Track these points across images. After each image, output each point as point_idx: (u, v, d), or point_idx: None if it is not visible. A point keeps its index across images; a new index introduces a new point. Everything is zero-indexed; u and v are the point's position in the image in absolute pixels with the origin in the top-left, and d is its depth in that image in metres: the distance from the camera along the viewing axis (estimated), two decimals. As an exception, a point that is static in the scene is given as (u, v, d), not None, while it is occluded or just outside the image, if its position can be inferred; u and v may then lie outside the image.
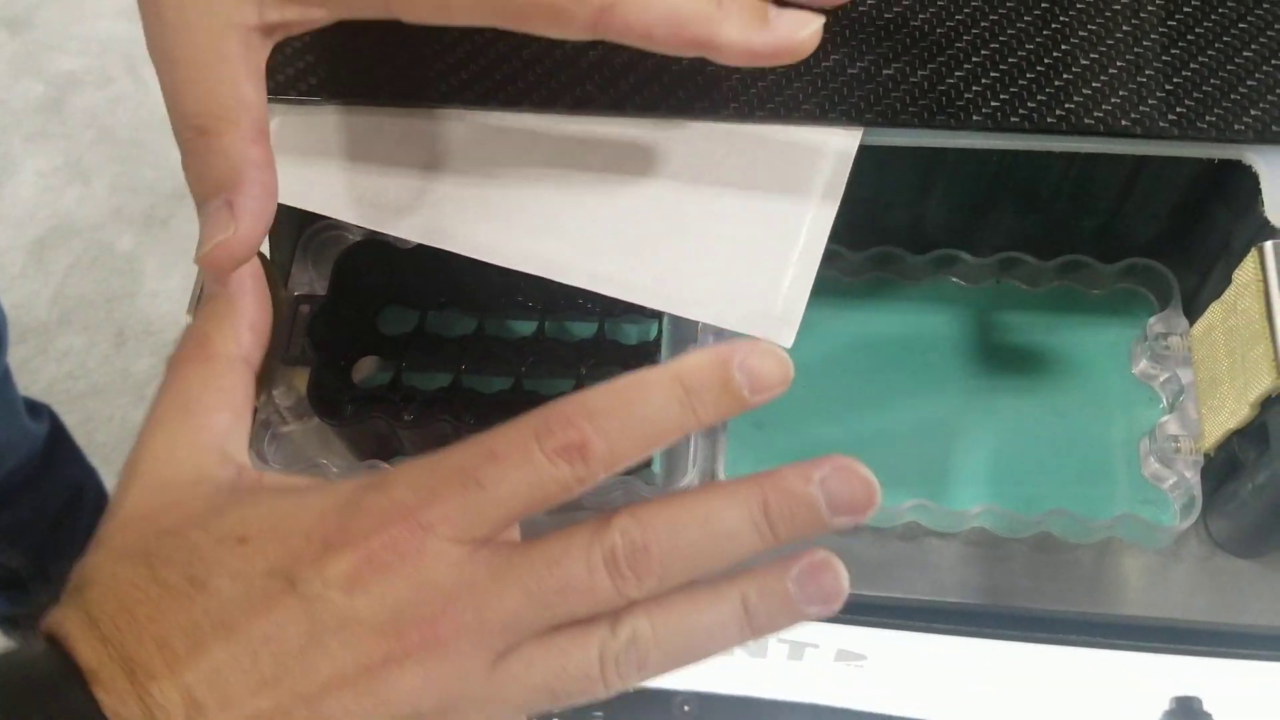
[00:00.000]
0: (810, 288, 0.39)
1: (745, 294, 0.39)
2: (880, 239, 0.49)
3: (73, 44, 1.68)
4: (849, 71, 0.42)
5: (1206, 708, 0.57)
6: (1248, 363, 0.40)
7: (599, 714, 0.70)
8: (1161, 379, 0.46)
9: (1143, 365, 0.46)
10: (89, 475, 1.12)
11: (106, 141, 1.61)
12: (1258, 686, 0.52)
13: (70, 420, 1.23)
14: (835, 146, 0.41)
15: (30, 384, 1.31)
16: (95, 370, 1.49)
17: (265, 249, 0.47)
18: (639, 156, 0.41)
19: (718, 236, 0.40)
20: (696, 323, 0.47)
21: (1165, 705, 0.57)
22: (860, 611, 0.44)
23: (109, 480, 1.17)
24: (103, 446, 1.38)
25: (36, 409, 1.03)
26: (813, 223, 0.40)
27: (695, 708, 0.68)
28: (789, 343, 0.39)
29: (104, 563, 0.30)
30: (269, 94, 0.42)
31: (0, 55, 1.68)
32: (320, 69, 0.43)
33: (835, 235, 0.47)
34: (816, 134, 0.41)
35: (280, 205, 0.43)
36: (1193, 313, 0.45)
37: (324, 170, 0.41)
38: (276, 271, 0.46)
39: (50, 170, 1.60)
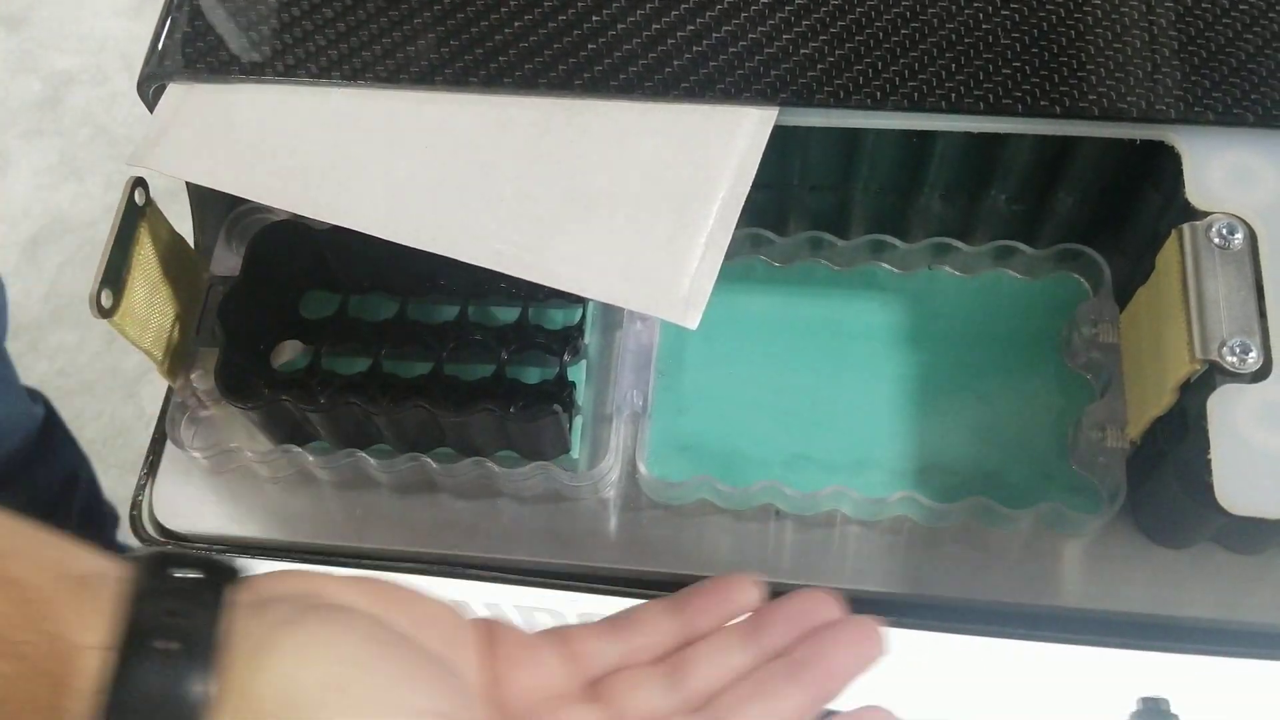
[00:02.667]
0: (718, 271, 0.39)
1: (652, 275, 0.39)
2: (809, 223, 0.48)
3: (69, 42, 1.69)
4: (765, 50, 0.41)
5: (1175, 709, 0.56)
6: (1167, 347, 0.39)
7: None
8: (1092, 367, 0.45)
9: (1074, 352, 0.45)
10: (83, 463, 1.12)
11: (102, 139, 1.62)
12: (1217, 683, 0.51)
13: (61, 417, 1.24)
14: (749, 126, 0.41)
15: (22, 380, 1.32)
16: (86, 367, 1.50)
17: (189, 231, 0.47)
18: (550, 135, 0.41)
19: (626, 217, 0.40)
20: (624, 309, 0.47)
21: (1132, 706, 0.57)
22: (779, 600, 0.43)
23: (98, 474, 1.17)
24: (92, 443, 1.39)
25: (33, 394, 1.04)
26: (723, 205, 0.40)
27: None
28: (694, 325, 0.38)
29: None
30: (179, 69, 0.42)
31: (-3, 53, 1.69)
32: (229, 44, 0.42)
33: (764, 219, 0.47)
34: (731, 114, 0.41)
35: (205, 188, 0.43)
36: (1124, 299, 0.44)
37: (230, 148, 0.41)
38: (196, 253, 0.46)
39: (45, 167, 1.61)
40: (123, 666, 0.26)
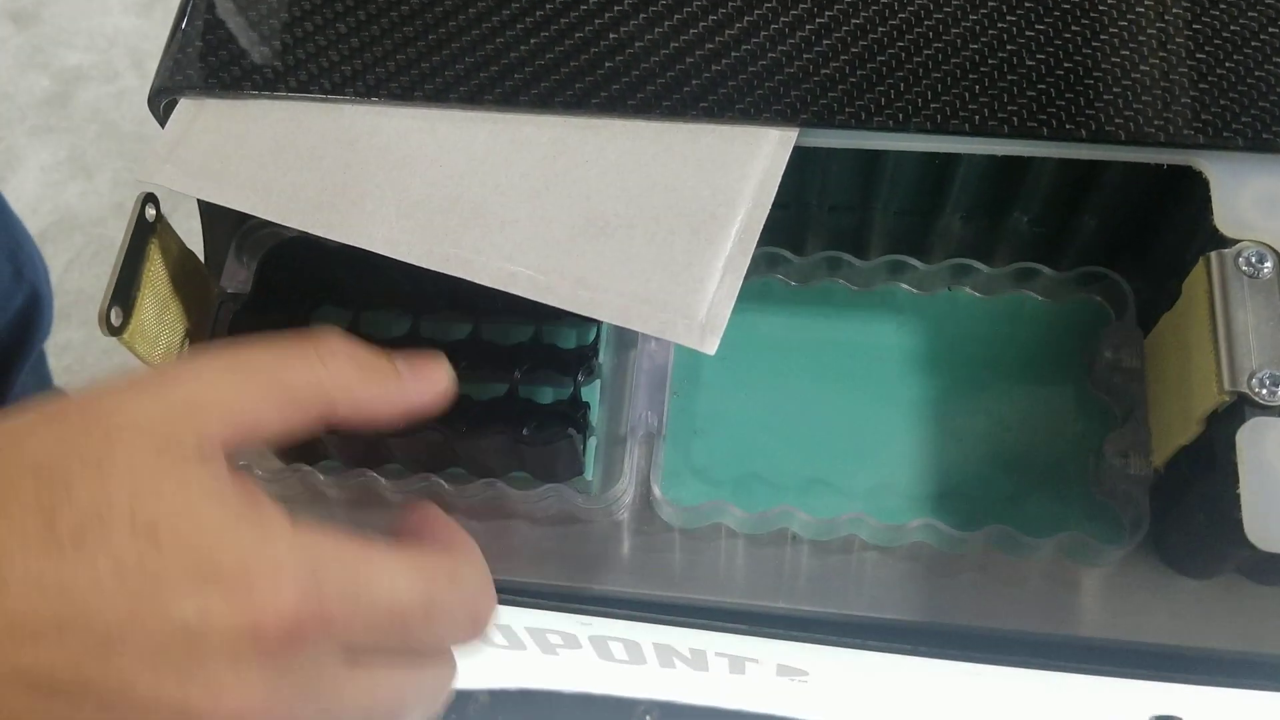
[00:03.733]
0: (737, 295, 0.38)
1: (669, 300, 0.38)
2: (828, 243, 0.47)
3: (79, 38, 1.68)
4: (786, 70, 0.41)
5: (1187, 726, 0.55)
6: (1193, 377, 0.38)
7: (560, 723, 0.69)
8: (1114, 392, 0.44)
9: (1096, 377, 0.45)
10: None
11: (110, 136, 1.62)
12: (1233, 704, 0.51)
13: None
14: (768, 147, 0.40)
15: (28, 377, 1.32)
16: (94, 365, 1.50)
17: (199, 247, 0.47)
18: (564, 155, 0.40)
19: (643, 239, 0.39)
20: (638, 327, 0.46)
21: (1143, 728, 0.56)
22: (795, 626, 0.43)
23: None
24: (98, 441, 1.39)
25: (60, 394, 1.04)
26: (743, 227, 0.39)
27: (657, 716, 0.67)
28: (712, 351, 0.37)
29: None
30: (191, 83, 0.41)
31: (6, 48, 1.69)
32: (244, 59, 0.42)
33: (781, 239, 0.46)
34: (750, 134, 0.40)
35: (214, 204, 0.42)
36: (1148, 324, 0.44)
37: (241, 165, 0.40)
38: (207, 269, 0.46)
39: (53, 164, 1.61)
40: None
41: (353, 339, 0.33)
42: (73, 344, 1.49)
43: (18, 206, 1.53)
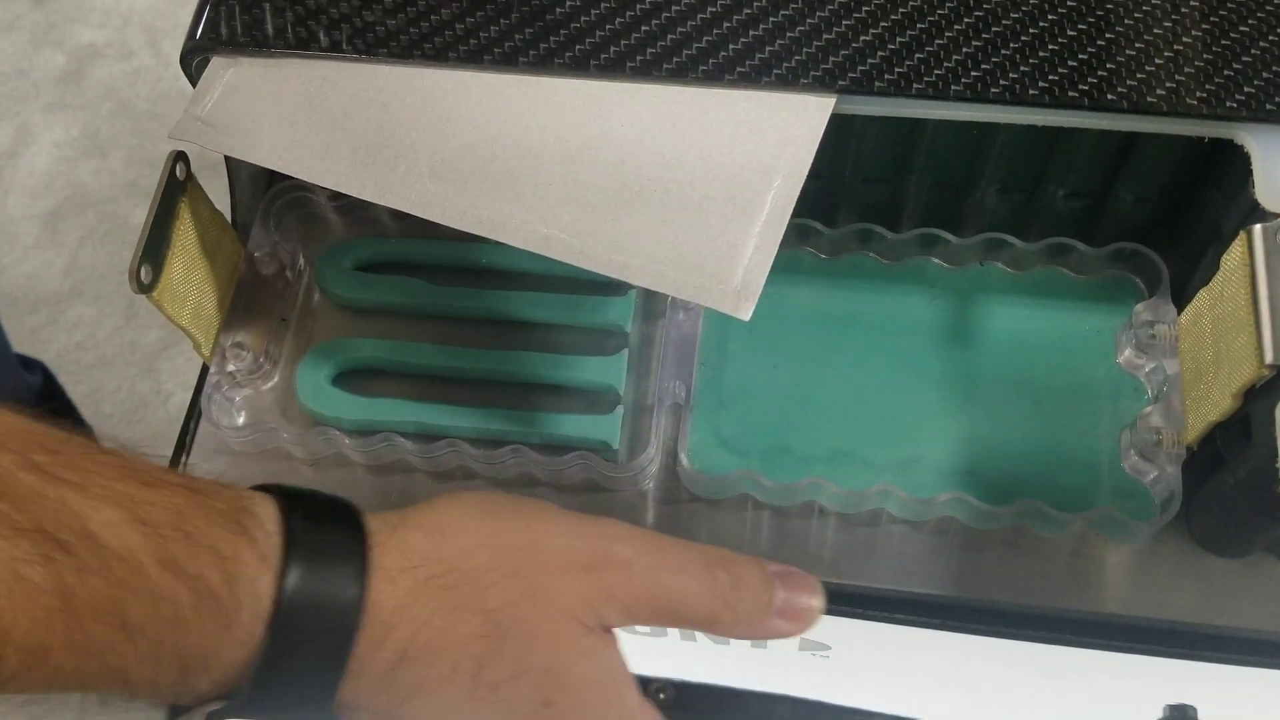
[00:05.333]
0: (772, 261, 0.38)
1: (704, 264, 0.38)
2: (860, 215, 0.47)
3: (94, 16, 1.68)
4: (824, 37, 0.40)
5: (1202, 717, 0.55)
6: (1232, 352, 0.38)
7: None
8: (1147, 369, 0.44)
9: (1128, 354, 0.44)
10: (85, 433, 1.12)
11: (124, 114, 1.61)
12: (1248, 693, 0.50)
13: (78, 391, 1.23)
14: (806, 115, 0.40)
15: (40, 354, 1.31)
16: (105, 342, 1.50)
17: (226, 208, 0.46)
18: (599, 119, 0.40)
19: (679, 204, 0.39)
20: (666, 297, 0.46)
21: (1159, 713, 0.56)
22: (822, 599, 0.43)
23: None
24: (109, 418, 1.39)
25: (29, 363, 1.04)
26: (778, 194, 0.39)
27: (671, 694, 0.67)
28: (747, 316, 0.37)
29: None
30: (223, 42, 0.41)
31: (22, 25, 1.69)
32: (276, 18, 0.41)
33: (812, 210, 0.46)
34: (787, 101, 0.40)
35: (245, 164, 0.42)
36: (1182, 300, 0.43)
37: (273, 124, 0.40)
38: (234, 231, 0.45)
39: (67, 141, 1.61)
40: (286, 578, 0.30)
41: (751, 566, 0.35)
42: (84, 320, 1.49)
43: (30, 183, 1.53)
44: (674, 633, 0.51)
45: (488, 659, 0.32)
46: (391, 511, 0.33)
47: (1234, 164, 0.40)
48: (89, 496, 0.28)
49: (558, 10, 0.41)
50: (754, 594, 0.34)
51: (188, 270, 0.42)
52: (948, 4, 0.40)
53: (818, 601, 0.36)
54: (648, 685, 0.68)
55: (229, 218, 0.46)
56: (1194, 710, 0.55)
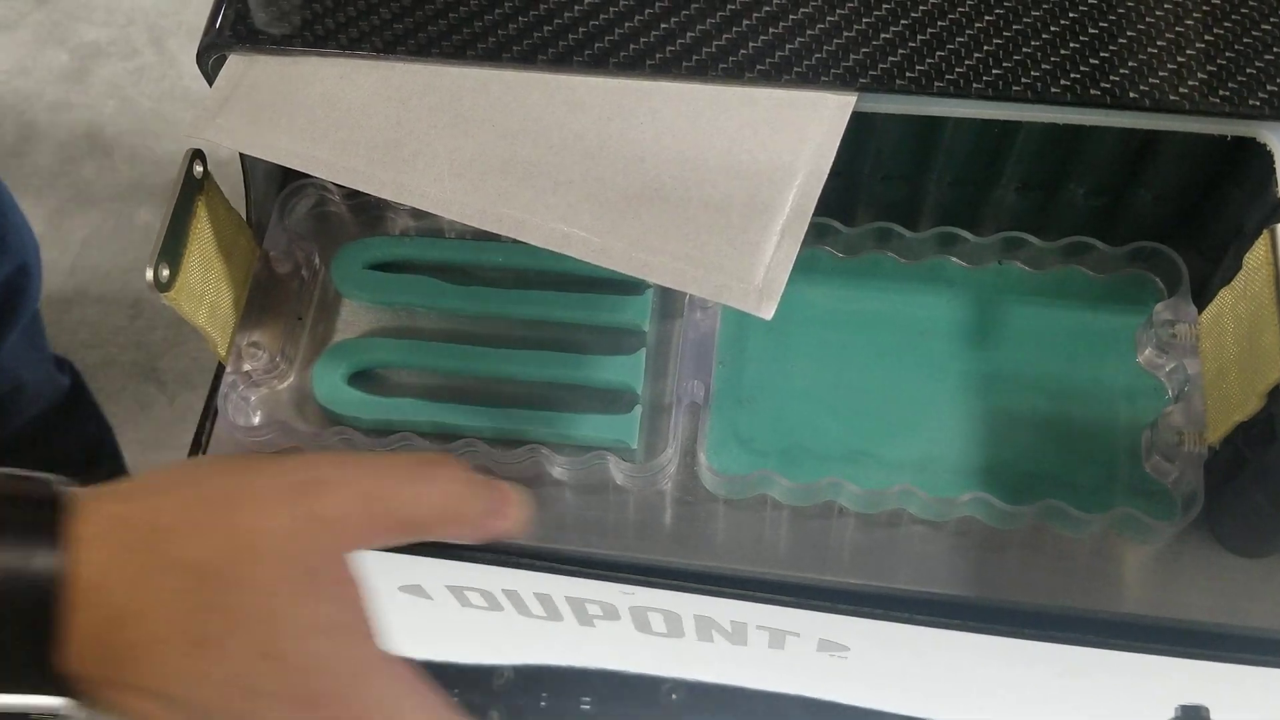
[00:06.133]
0: (794, 260, 0.38)
1: (725, 263, 0.38)
2: (877, 214, 0.47)
3: (98, 14, 1.68)
4: (844, 34, 0.40)
5: (1214, 718, 0.55)
6: (1256, 351, 0.38)
7: (587, 699, 0.68)
8: (1167, 368, 0.44)
9: (1148, 354, 0.44)
10: (107, 432, 1.14)
11: (128, 113, 1.61)
12: (1264, 694, 0.50)
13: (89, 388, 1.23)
14: (827, 113, 0.39)
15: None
16: (109, 341, 1.50)
17: (240, 206, 0.46)
18: (619, 117, 0.40)
19: (699, 203, 0.38)
20: (684, 296, 0.46)
21: (1170, 713, 0.56)
22: (840, 599, 0.42)
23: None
24: (113, 417, 1.38)
25: (60, 363, 1.06)
26: (800, 192, 0.39)
27: (682, 695, 0.67)
28: (769, 315, 0.37)
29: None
30: (240, 39, 0.41)
31: (26, 24, 1.69)
32: (294, 15, 0.41)
33: (830, 209, 0.46)
34: (808, 99, 0.40)
35: (260, 162, 0.42)
36: (1202, 300, 0.43)
37: (291, 122, 0.40)
38: (250, 229, 0.45)
39: (71, 140, 1.60)
40: None
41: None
42: (88, 319, 1.49)
43: (35, 182, 1.53)
44: (690, 631, 0.51)
45: (198, 614, 0.31)
46: (97, 486, 0.33)
47: (1256, 162, 0.40)
48: None
49: (576, 8, 0.41)
50: (476, 492, 0.35)
51: (205, 269, 0.42)
52: (969, 2, 0.40)
53: (519, 497, 0.36)
54: (659, 686, 0.67)
55: (244, 215, 0.46)
56: (1206, 710, 0.55)
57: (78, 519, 0.31)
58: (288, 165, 0.40)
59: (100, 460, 1.10)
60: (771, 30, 0.40)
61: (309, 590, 0.32)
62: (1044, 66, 0.39)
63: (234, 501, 0.32)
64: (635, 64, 0.40)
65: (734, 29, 0.40)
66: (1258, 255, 0.38)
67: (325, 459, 0.34)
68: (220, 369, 0.45)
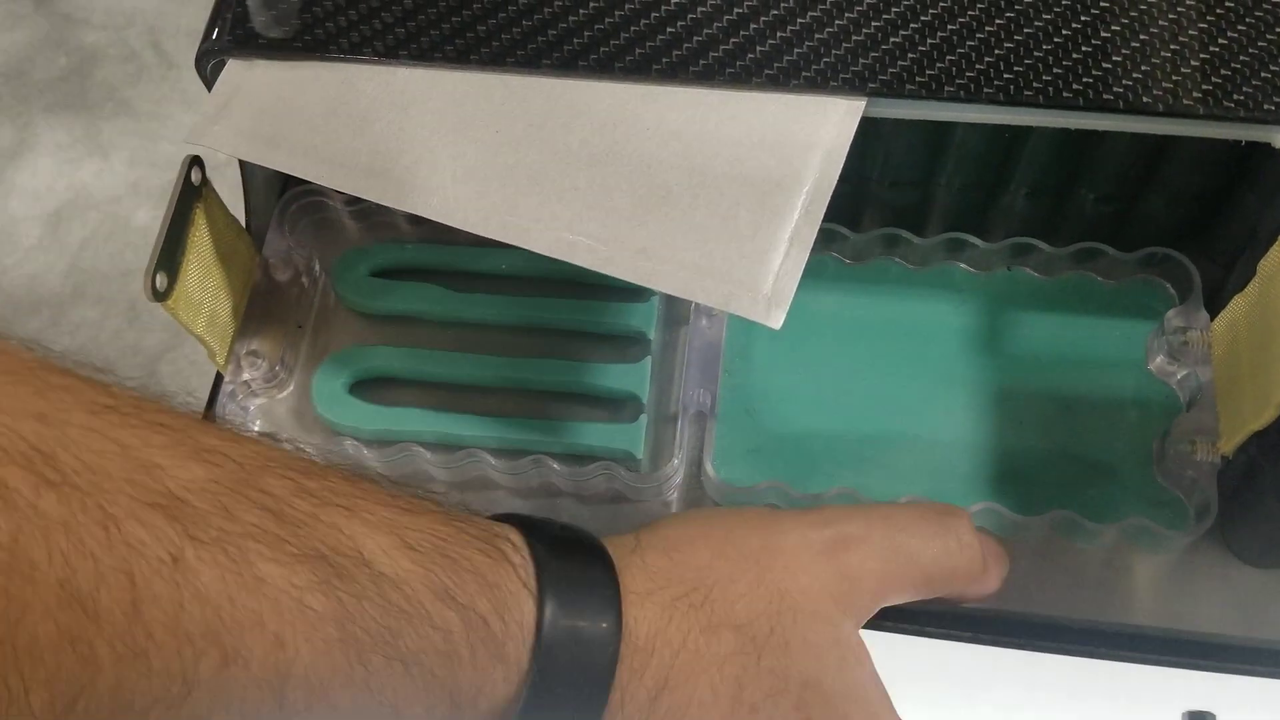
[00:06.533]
0: (803, 268, 0.37)
1: (733, 272, 0.37)
2: (886, 220, 0.46)
3: (96, 16, 1.67)
4: (853, 38, 0.39)
5: (1221, 723, 0.54)
6: (1271, 359, 0.37)
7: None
8: (1179, 376, 0.43)
9: (1159, 361, 0.44)
10: None
11: (126, 115, 1.60)
12: (1273, 704, 0.50)
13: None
14: (836, 118, 0.39)
15: (41, 356, 1.31)
16: (107, 345, 1.49)
17: (239, 212, 0.45)
18: (624, 122, 0.39)
19: (707, 210, 0.38)
20: (689, 303, 0.45)
21: (1175, 718, 0.55)
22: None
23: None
24: (112, 421, 1.38)
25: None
26: (809, 198, 0.38)
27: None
28: (778, 325, 0.36)
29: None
30: (239, 45, 0.40)
31: (24, 26, 1.68)
32: (293, 20, 0.41)
33: (838, 215, 0.45)
34: (817, 104, 0.39)
35: (260, 168, 0.41)
36: (1214, 307, 0.43)
37: (291, 128, 0.39)
38: (249, 236, 0.45)
39: (69, 143, 1.60)
40: (544, 607, 0.29)
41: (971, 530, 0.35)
42: (87, 322, 1.48)
43: (33, 184, 1.52)
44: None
45: (745, 678, 0.30)
46: (623, 535, 0.33)
47: (1270, 167, 0.39)
48: (360, 523, 0.27)
49: (581, 11, 0.40)
50: (985, 549, 0.34)
51: (203, 277, 0.41)
52: (979, 5, 0.39)
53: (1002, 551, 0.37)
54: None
55: (243, 222, 0.46)
56: (1213, 716, 0.54)
57: (629, 574, 0.30)
58: (287, 172, 0.39)
59: None
60: (779, 34, 0.40)
61: (844, 652, 0.32)
62: (1055, 71, 0.38)
63: (767, 559, 0.32)
64: (641, 69, 0.39)
65: (741, 33, 0.40)
66: (1272, 262, 0.38)
67: (843, 513, 0.34)
68: (219, 378, 0.44)
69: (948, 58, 0.39)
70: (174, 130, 1.53)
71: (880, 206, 0.46)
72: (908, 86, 0.38)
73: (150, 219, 1.49)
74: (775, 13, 0.40)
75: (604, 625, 0.29)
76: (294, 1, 0.41)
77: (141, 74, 1.59)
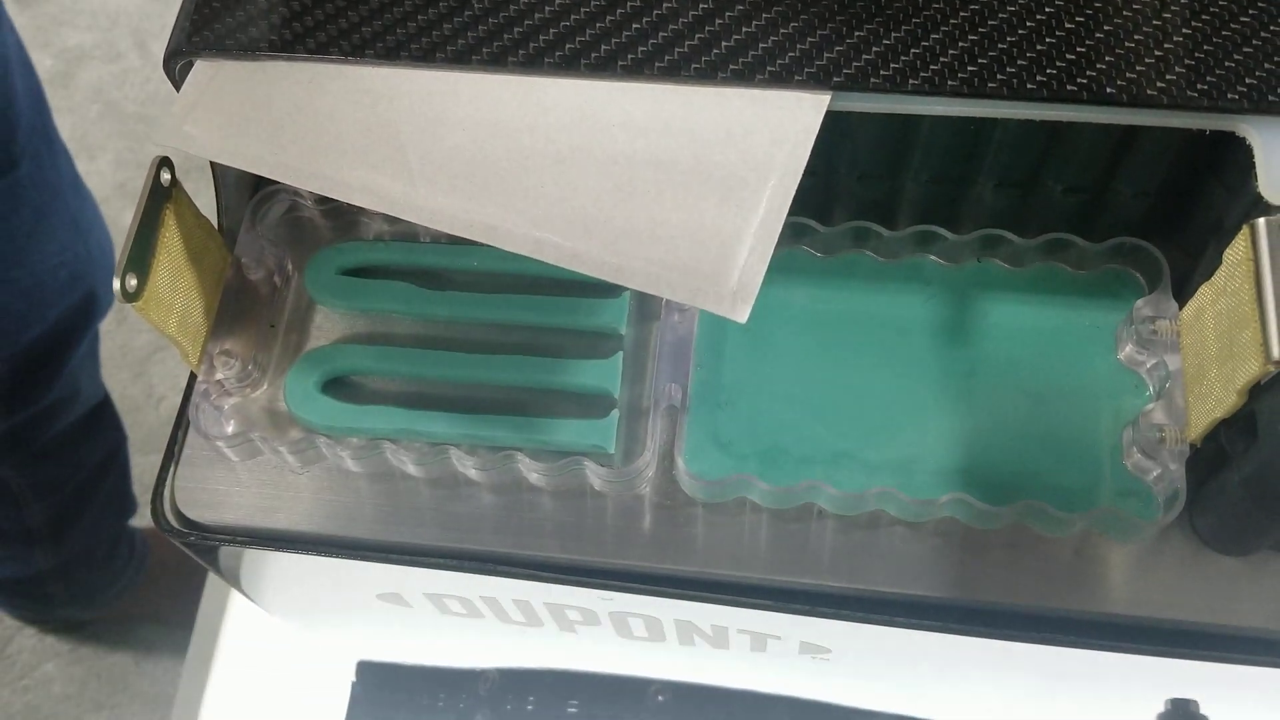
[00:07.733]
0: (769, 262, 0.37)
1: (698, 266, 0.37)
2: (856, 214, 0.46)
3: (82, 18, 1.67)
4: (818, 33, 0.40)
5: (1204, 710, 0.55)
6: (1236, 347, 0.37)
7: (574, 702, 0.68)
8: (1148, 365, 0.43)
9: (1128, 350, 0.44)
10: (123, 440, 1.16)
11: (113, 116, 1.60)
12: (1250, 692, 0.50)
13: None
14: (800, 112, 0.39)
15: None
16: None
17: (211, 212, 0.46)
18: (590, 119, 0.39)
19: (672, 205, 0.38)
20: (661, 299, 0.45)
21: (1160, 708, 0.55)
22: (820, 602, 0.42)
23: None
24: (101, 422, 1.38)
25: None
26: (774, 192, 0.38)
27: (669, 697, 0.66)
28: (743, 318, 0.36)
29: None
30: (207, 45, 0.40)
31: (8, 27, 1.68)
32: (261, 20, 0.41)
33: (807, 208, 0.45)
34: (781, 98, 0.39)
35: (231, 168, 0.41)
36: (1183, 295, 0.43)
37: (259, 128, 0.39)
38: (220, 236, 0.45)
39: (56, 144, 1.59)
40: None
41: None
42: (75, 324, 1.48)
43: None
44: (671, 635, 0.50)
45: None
46: None
47: (1236, 157, 0.40)
48: None
49: (547, 9, 0.40)
50: None
51: (174, 278, 0.41)
52: (943, -2, 0.40)
53: None
54: (646, 687, 0.67)
55: (215, 222, 0.46)
56: (1196, 704, 0.55)
57: None
58: (256, 172, 0.39)
59: (112, 467, 1.13)
60: (744, 30, 0.40)
61: None
62: (1020, 62, 0.39)
63: None
64: (606, 65, 0.40)
65: (706, 29, 0.40)
66: (1237, 251, 0.38)
67: None
68: (193, 378, 0.44)
69: (911, 51, 0.39)
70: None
71: (850, 200, 0.46)
72: (872, 80, 0.39)
73: (138, 220, 1.49)
74: (740, 8, 0.40)
75: None
76: (261, 3, 0.41)
77: (126, 75, 1.60)
